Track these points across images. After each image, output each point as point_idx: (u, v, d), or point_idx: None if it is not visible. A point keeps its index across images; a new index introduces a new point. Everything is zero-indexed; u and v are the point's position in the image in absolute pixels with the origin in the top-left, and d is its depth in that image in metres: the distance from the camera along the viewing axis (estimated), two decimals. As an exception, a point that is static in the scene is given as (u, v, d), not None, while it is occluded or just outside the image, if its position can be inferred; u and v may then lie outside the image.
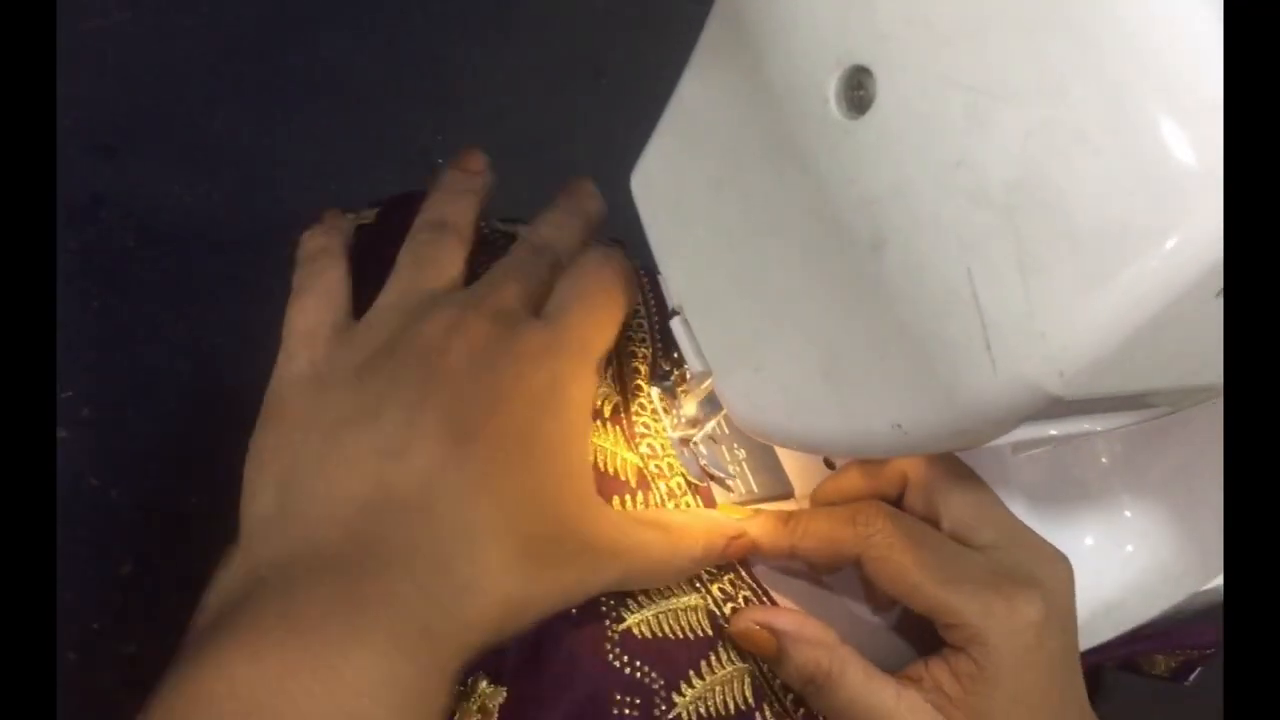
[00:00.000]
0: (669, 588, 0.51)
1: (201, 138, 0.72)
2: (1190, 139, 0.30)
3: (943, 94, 0.33)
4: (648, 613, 0.50)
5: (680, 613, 0.51)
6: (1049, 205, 0.32)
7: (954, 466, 0.54)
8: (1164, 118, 0.30)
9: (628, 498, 0.53)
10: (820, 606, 0.56)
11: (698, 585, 0.52)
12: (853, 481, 0.56)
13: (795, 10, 0.37)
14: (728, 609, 0.52)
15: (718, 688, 0.50)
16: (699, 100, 0.45)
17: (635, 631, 0.49)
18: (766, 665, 0.51)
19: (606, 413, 0.55)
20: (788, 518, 0.52)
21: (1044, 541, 0.52)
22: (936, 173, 0.33)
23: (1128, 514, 0.69)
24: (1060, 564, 0.51)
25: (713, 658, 0.51)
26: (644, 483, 0.54)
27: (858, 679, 0.49)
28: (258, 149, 0.73)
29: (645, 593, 0.51)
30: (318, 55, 0.79)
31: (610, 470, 0.54)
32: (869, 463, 0.57)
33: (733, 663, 0.51)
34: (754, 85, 0.40)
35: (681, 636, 0.50)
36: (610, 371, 0.57)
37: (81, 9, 0.68)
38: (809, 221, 0.39)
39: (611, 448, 0.55)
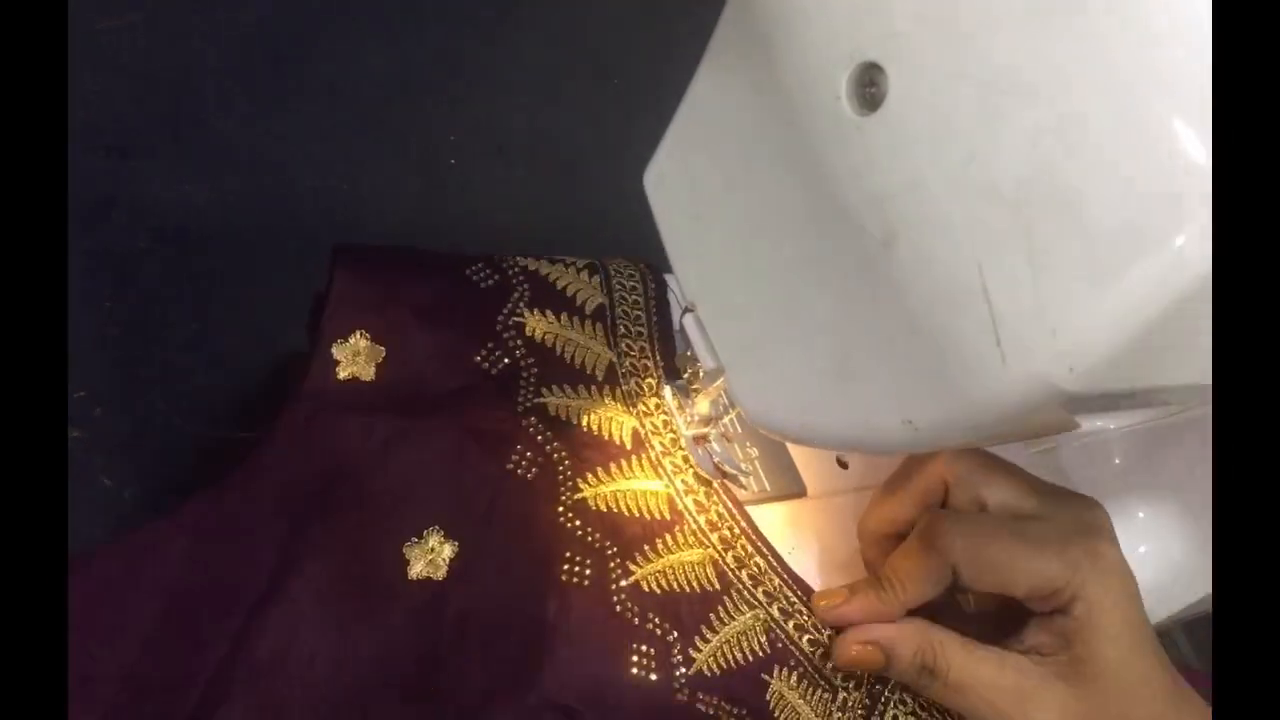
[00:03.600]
0: (675, 544, 0.52)
1: (213, 138, 0.72)
2: (1199, 138, 0.30)
3: (954, 91, 0.33)
4: (654, 567, 0.50)
5: (687, 566, 0.51)
6: (1059, 202, 0.32)
7: (979, 455, 0.54)
8: (1174, 117, 0.30)
9: (623, 461, 0.54)
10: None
11: (702, 539, 0.53)
12: (899, 505, 0.57)
13: (807, 8, 0.37)
14: (729, 557, 0.53)
15: (734, 638, 0.51)
16: (711, 99, 0.45)
17: (643, 586, 0.50)
18: (789, 621, 0.53)
19: (600, 376, 0.56)
20: (879, 584, 0.53)
21: (1075, 493, 0.53)
22: (948, 169, 0.33)
23: (1141, 515, 0.69)
24: (1096, 504, 0.53)
25: (722, 609, 0.51)
26: (639, 445, 0.55)
27: (960, 654, 0.50)
28: (269, 150, 0.73)
29: (652, 547, 0.51)
30: (329, 56, 0.79)
31: (606, 435, 0.55)
32: (908, 481, 0.57)
33: (743, 612, 0.52)
34: (766, 83, 0.40)
35: (690, 590, 0.51)
36: (601, 328, 0.58)
37: (93, 9, 0.68)
38: (821, 218, 0.39)
39: (608, 414, 0.55)
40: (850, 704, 0.52)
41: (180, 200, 0.68)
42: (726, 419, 0.54)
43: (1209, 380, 0.34)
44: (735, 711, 0.49)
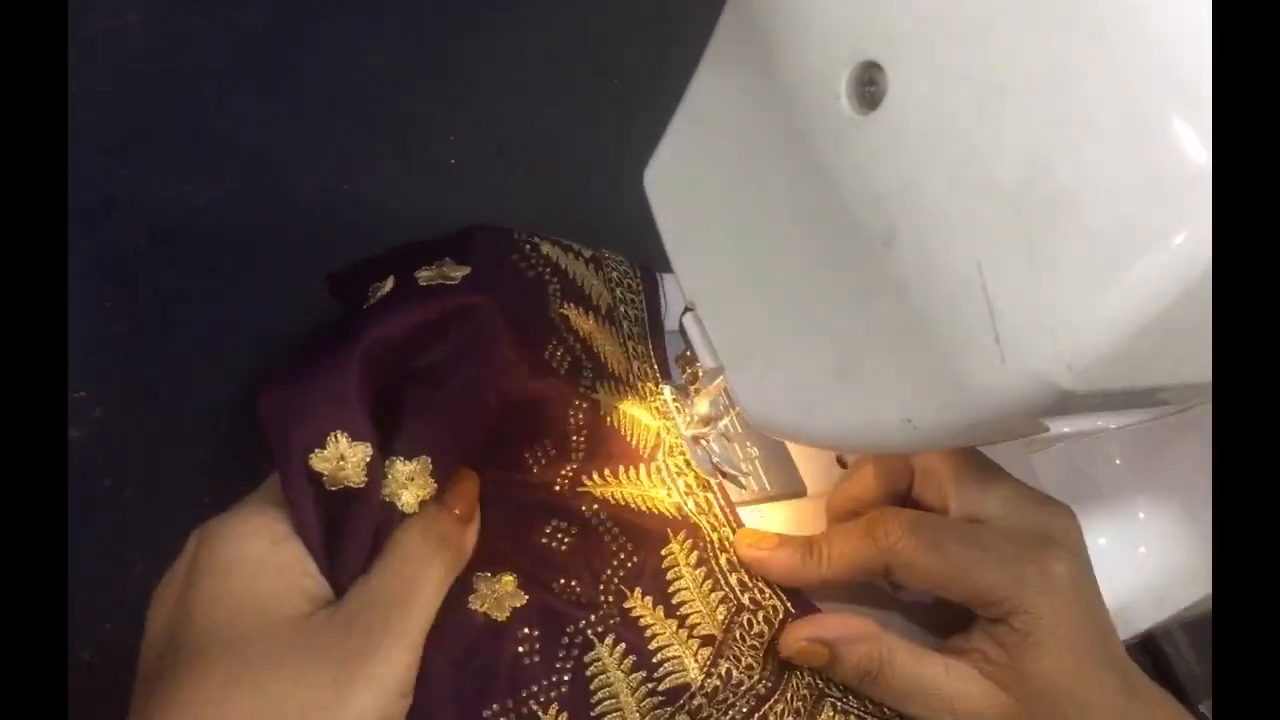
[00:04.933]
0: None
1: (213, 138, 0.72)
2: (1200, 136, 0.30)
3: (953, 90, 0.33)
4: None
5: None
6: (1058, 201, 0.32)
7: (957, 450, 0.54)
8: (1174, 115, 0.30)
9: (637, 466, 0.54)
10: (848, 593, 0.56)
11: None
12: (864, 484, 0.57)
13: (807, 7, 0.37)
14: (723, 560, 0.53)
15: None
16: (712, 98, 0.45)
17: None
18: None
19: (622, 375, 0.56)
20: (808, 547, 0.53)
21: (1046, 496, 0.53)
22: (947, 168, 0.34)
23: (1141, 515, 0.69)
24: (1068, 515, 0.52)
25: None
26: (654, 452, 0.55)
27: (907, 661, 0.50)
28: (270, 149, 0.73)
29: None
30: (330, 55, 0.79)
31: (630, 435, 0.55)
32: (877, 463, 0.57)
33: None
34: (766, 82, 0.40)
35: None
36: (611, 327, 0.58)
37: (93, 8, 0.68)
38: (821, 217, 0.39)
39: (633, 412, 0.55)
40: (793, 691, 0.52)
41: (180, 200, 0.68)
42: (726, 419, 0.54)
43: (1209, 379, 0.34)
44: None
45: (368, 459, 0.46)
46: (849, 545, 0.52)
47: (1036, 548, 0.50)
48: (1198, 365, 0.34)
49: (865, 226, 0.36)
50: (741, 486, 0.55)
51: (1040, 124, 0.32)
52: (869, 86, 0.36)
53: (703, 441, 0.55)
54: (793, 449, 0.60)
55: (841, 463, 0.62)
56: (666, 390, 0.56)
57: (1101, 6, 0.31)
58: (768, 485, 0.58)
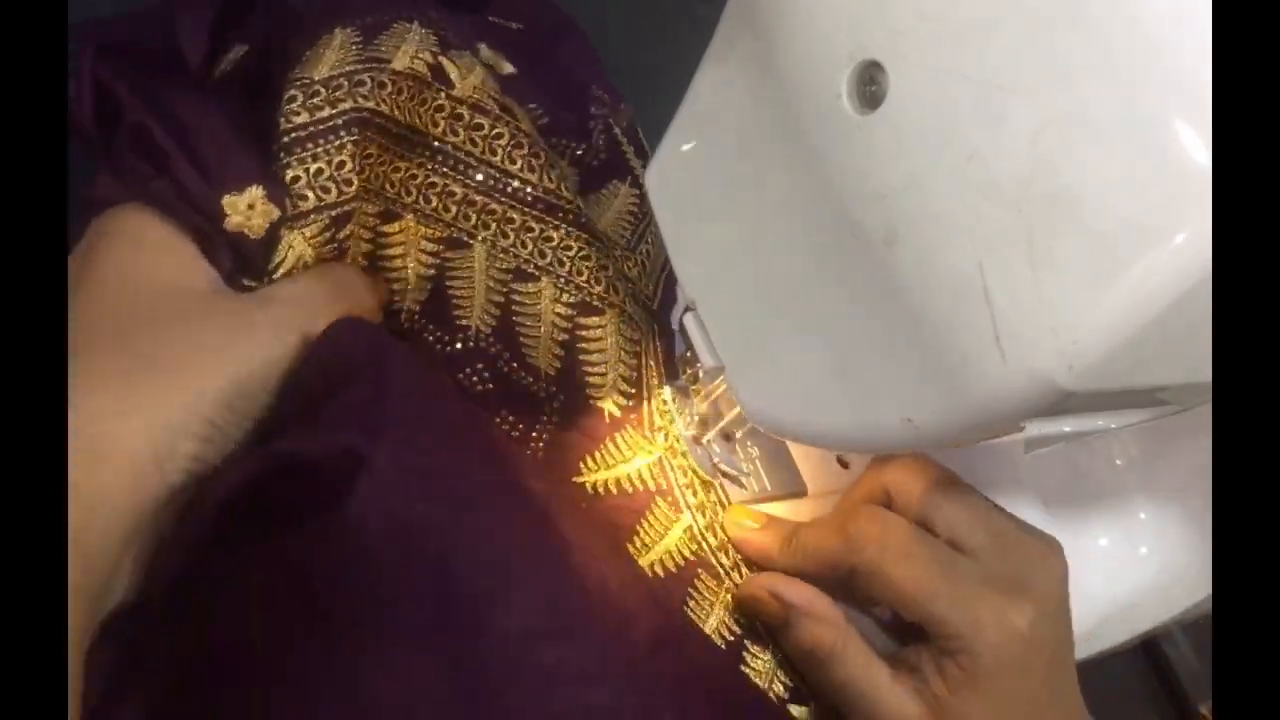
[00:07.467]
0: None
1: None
2: (1200, 138, 0.30)
3: (955, 89, 0.33)
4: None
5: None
6: (1060, 200, 0.32)
7: (941, 472, 0.53)
8: (1175, 115, 0.30)
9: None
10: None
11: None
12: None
13: (808, 6, 0.37)
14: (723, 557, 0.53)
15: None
16: (713, 98, 0.45)
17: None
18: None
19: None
20: (788, 536, 0.52)
21: (1036, 538, 0.51)
22: (948, 168, 0.34)
23: (1142, 515, 0.69)
24: (1052, 559, 0.51)
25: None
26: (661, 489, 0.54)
27: (858, 661, 0.49)
28: (270, 149, 0.73)
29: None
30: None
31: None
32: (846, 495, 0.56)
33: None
34: (767, 82, 0.40)
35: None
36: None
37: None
38: (822, 217, 0.39)
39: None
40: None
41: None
42: (726, 419, 0.54)
43: (1208, 379, 0.34)
44: None
45: None
46: (823, 539, 0.51)
47: (1003, 593, 0.48)
48: (1198, 365, 0.34)
49: (866, 226, 0.36)
50: (742, 486, 0.55)
51: (1041, 124, 0.32)
52: (870, 86, 0.36)
53: (703, 441, 0.55)
54: (793, 449, 0.60)
55: (842, 462, 0.61)
56: (667, 390, 0.56)
57: (1102, 6, 0.31)
58: (768, 485, 0.57)
